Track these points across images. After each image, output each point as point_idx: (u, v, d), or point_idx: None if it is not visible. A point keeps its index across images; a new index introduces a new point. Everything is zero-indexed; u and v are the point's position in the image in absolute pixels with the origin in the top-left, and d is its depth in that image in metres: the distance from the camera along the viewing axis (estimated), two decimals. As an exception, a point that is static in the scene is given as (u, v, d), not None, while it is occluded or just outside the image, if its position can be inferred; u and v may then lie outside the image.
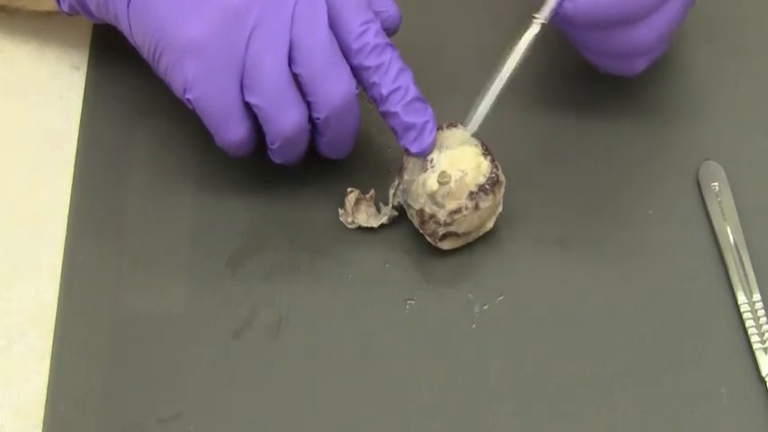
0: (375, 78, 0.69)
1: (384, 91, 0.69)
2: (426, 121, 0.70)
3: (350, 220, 0.72)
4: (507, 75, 0.71)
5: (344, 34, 0.69)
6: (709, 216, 0.73)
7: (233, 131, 0.69)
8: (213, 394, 0.68)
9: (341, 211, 0.73)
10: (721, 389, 0.69)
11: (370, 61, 0.69)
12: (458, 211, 0.69)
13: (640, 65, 0.73)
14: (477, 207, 0.70)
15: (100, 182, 0.74)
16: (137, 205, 0.73)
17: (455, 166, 0.70)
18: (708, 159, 0.75)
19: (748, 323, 0.70)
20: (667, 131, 0.77)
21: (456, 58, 0.79)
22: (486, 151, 0.71)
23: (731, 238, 0.72)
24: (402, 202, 0.72)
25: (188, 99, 0.69)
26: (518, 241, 0.73)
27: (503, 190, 0.71)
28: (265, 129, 0.69)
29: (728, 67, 0.79)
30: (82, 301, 0.70)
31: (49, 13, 0.77)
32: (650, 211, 0.74)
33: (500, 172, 0.70)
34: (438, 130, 0.71)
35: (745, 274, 0.71)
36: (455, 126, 0.71)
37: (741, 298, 0.71)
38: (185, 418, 0.67)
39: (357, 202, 0.72)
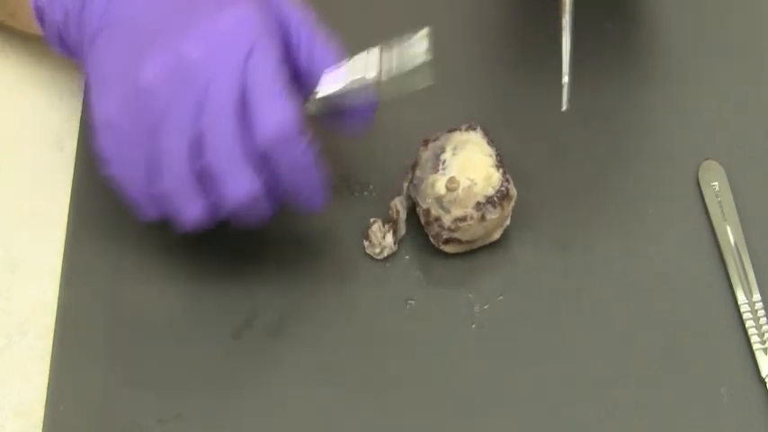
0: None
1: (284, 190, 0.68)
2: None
3: (377, 251, 0.71)
4: (569, 40, 0.70)
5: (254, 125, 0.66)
6: (709, 216, 0.73)
7: (145, 213, 0.68)
8: (213, 394, 0.68)
9: (366, 244, 0.71)
10: (721, 389, 0.69)
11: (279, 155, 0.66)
12: (463, 219, 0.69)
13: None
14: (483, 218, 0.69)
15: (100, 182, 0.74)
16: (137, 205, 0.73)
17: (465, 173, 0.69)
18: (708, 159, 0.75)
19: (748, 323, 0.70)
20: (667, 131, 0.77)
21: (459, 56, 0.79)
22: (500, 163, 0.70)
23: (731, 238, 0.72)
24: (413, 196, 0.72)
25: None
26: (518, 241, 0.73)
27: (512, 204, 0.70)
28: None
29: (728, 67, 0.79)
30: (82, 301, 0.70)
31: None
32: (650, 211, 0.74)
33: (511, 186, 0.70)
34: (456, 131, 0.71)
35: (745, 274, 0.71)
36: (473, 129, 0.71)
37: (741, 298, 0.71)
38: (185, 418, 0.67)
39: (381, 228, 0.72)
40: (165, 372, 0.69)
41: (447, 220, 0.69)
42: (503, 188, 0.69)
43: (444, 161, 0.70)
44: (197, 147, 0.65)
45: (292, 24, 0.69)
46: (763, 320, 0.70)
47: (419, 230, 0.72)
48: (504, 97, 0.77)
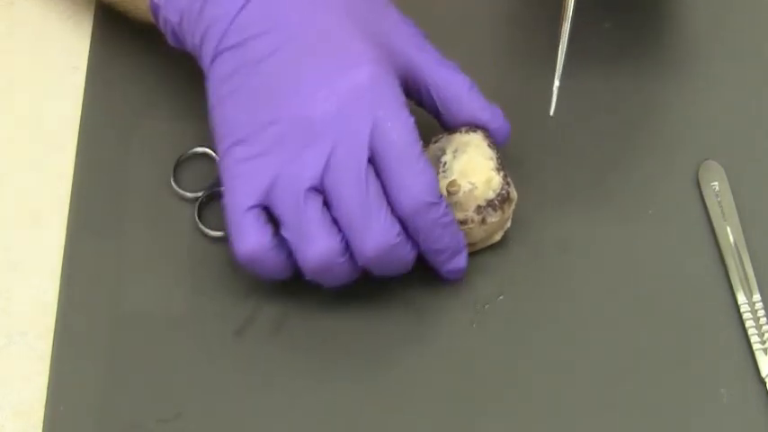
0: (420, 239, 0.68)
1: (425, 248, 0.68)
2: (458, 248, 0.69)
3: None
4: (565, 45, 0.70)
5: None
6: (709, 216, 0.73)
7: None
8: (213, 394, 0.68)
9: None
10: (721, 389, 0.69)
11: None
12: (464, 222, 0.69)
13: None
14: (483, 221, 0.69)
15: (100, 182, 0.74)
16: (137, 205, 0.73)
17: (466, 176, 0.69)
18: (708, 159, 0.75)
19: (748, 323, 0.70)
20: (667, 131, 0.77)
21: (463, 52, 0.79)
22: (500, 166, 0.70)
23: (731, 238, 0.72)
24: None
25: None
26: (518, 241, 0.73)
27: (513, 207, 0.70)
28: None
29: (728, 67, 0.79)
30: (82, 301, 0.70)
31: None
32: (650, 211, 0.74)
33: (512, 189, 0.70)
34: (456, 132, 0.71)
35: (745, 275, 0.71)
36: (474, 131, 0.71)
37: (741, 298, 0.71)
38: (185, 418, 0.67)
39: None
40: (165, 372, 0.69)
41: None
42: (503, 191, 0.69)
43: (445, 163, 0.70)
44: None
45: (424, 70, 0.70)
46: (763, 320, 0.70)
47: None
48: (504, 96, 0.77)
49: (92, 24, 0.79)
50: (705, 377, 0.69)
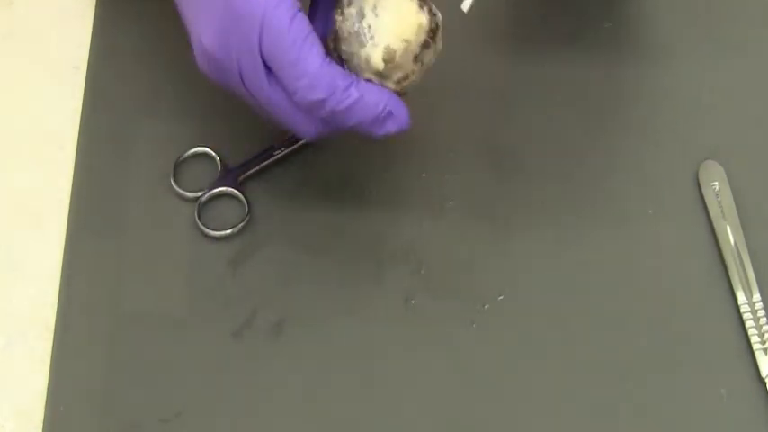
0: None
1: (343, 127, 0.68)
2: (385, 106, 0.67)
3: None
4: None
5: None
6: (709, 216, 0.73)
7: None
8: (213, 394, 0.68)
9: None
10: (721, 389, 0.69)
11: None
12: (405, 78, 0.67)
13: None
14: (423, 63, 0.67)
15: (100, 182, 0.74)
16: (137, 205, 0.73)
17: (397, 35, 0.66)
18: (708, 159, 0.75)
19: (748, 323, 0.70)
20: (667, 131, 0.77)
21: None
22: (422, 1, 0.67)
23: (731, 238, 0.72)
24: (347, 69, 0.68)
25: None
26: (518, 241, 0.73)
27: (440, 32, 0.67)
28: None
29: (728, 67, 0.79)
30: (82, 301, 0.70)
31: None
32: (650, 211, 0.74)
33: (438, 16, 0.67)
34: None
35: (745, 274, 0.71)
36: None
37: (741, 298, 0.71)
38: (185, 418, 0.67)
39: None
40: (165, 371, 0.69)
41: (391, 85, 0.67)
42: (432, 25, 0.66)
43: (369, 27, 0.66)
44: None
45: None
46: (763, 320, 0.70)
47: (419, 231, 0.72)
48: (504, 95, 0.77)
49: (92, 24, 0.79)
50: (705, 377, 0.69)
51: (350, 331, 0.70)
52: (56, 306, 0.70)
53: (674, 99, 0.78)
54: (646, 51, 0.80)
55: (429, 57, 0.67)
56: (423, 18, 0.66)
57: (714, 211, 0.73)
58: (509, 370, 0.69)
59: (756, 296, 0.71)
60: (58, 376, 0.68)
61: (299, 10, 0.65)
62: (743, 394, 0.68)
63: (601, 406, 0.68)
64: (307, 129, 0.68)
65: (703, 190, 0.74)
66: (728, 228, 0.73)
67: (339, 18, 0.67)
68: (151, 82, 0.77)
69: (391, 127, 0.68)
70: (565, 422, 0.68)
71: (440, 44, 0.67)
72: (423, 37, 0.66)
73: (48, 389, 0.68)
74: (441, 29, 0.67)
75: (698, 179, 0.75)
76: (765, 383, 0.68)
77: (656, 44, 0.80)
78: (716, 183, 0.74)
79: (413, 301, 0.71)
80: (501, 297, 0.71)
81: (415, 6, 0.66)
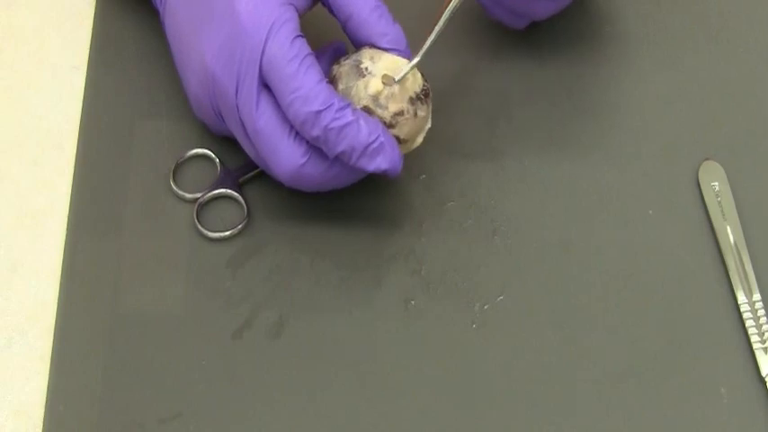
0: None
1: (332, 154, 0.69)
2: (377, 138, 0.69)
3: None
4: (430, 41, 0.71)
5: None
6: (709, 216, 0.73)
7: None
8: (213, 394, 0.68)
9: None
10: (721, 389, 0.69)
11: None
12: (400, 113, 0.70)
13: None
14: (416, 114, 0.70)
15: (100, 182, 0.74)
16: (137, 205, 0.73)
17: (393, 72, 0.70)
18: (708, 159, 0.75)
19: (748, 323, 0.70)
20: (667, 131, 0.77)
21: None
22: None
23: (731, 238, 0.72)
24: None
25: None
26: (518, 241, 0.73)
27: (430, 102, 0.71)
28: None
29: (728, 68, 0.79)
30: (82, 301, 0.70)
31: None
32: (650, 211, 0.74)
33: (428, 85, 0.71)
34: (361, 49, 0.71)
35: (745, 274, 0.71)
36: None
37: (741, 298, 0.71)
38: (185, 418, 0.67)
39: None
40: (165, 372, 0.69)
41: (386, 115, 0.69)
42: (426, 86, 0.71)
43: (367, 68, 0.70)
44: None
45: None
46: (763, 320, 0.70)
47: (419, 231, 0.72)
48: (504, 95, 0.77)
49: (92, 24, 0.79)
50: (705, 377, 0.69)
51: (350, 332, 0.70)
52: (56, 306, 0.70)
53: (675, 99, 0.78)
54: (646, 52, 0.80)
55: (422, 114, 0.70)
56: (416, 72, 0.70)
57: (714, 211, 0.73)
58: (509, 370, 0.69)
59: (756, 296, 0.71)
60: (57, 376, 0.68)
61: (303, 36, 0.68)
62: (743, 394, 0.68)
63: (601, 406, 0.68)
64: (291, 156, 0.68)
65: (703, 190, 0.74)
66: (728, 228, 0.73)
67: (336, 66, 0.71)
68: (151, 82, 0.77)
69: (382, 163, 0.68)
70: (565, 422, 0.68)
71: (429, 119, 0.71)
72: (417, 87, 0.70)
73: (47, 389, 0.68)
74: (430, 101, 0.71)
75: (698, 179, 0.75)
76: (765, 383, 0.68)
77: (656, 44, 0.80)
78: (716, 183, 0.74)
79: (413, 302, 0.71)
80: (501, 297, 0.71)
81: (407, 61, 0.70)
